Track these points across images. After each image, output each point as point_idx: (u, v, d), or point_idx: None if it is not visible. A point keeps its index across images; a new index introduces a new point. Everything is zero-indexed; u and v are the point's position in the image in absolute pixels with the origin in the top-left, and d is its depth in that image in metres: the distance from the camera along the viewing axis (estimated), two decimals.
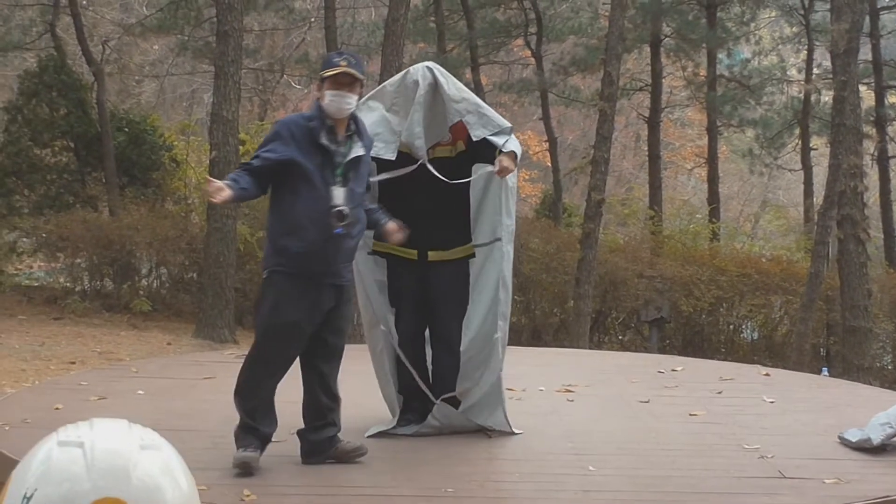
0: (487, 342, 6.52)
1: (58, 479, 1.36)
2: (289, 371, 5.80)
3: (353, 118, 5.82)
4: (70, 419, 1.49)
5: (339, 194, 5.62)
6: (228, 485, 5.25)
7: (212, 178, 5.78)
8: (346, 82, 5.65)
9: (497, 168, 6.24)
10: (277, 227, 5.79)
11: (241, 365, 5.83)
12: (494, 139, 6.32)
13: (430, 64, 6.59)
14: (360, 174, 5.77)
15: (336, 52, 5.60)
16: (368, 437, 6.48)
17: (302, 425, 5.87)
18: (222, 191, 5.45)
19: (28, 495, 1.35)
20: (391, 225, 6.03)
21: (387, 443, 6.42)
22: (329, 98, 5.65)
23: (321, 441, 5.81)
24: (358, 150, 5.73)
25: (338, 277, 5.74)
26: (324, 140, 5.65)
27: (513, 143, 6.33)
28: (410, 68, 6.60)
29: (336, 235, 5.59)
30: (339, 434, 5.83)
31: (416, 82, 6.39)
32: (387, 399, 6.72)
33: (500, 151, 6.25)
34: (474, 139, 6.40)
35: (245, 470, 5.44)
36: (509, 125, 6.45)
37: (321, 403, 5.80)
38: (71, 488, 1.35)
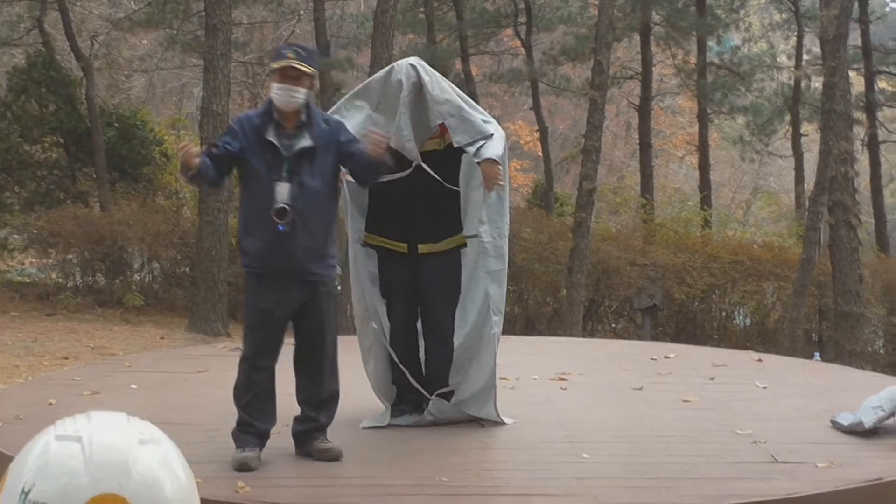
0: (481, 336, 6.52)
1: (56, 474, 1.35)
2: (285, 365, 5.82)
3: (307, 110, 5.73)
4: (64, 414, 1.49)
5: (282, 190, 5.56)
6: (223, 478, 5.26)
7: (189, 144, 5.74)
8: (293, 76, 5.59)
9: (483, 182, 6.25)
10: (239, 227, 5.86)
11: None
12: (470, 149, 6.30)
13: (415, 61, 6.54)
14: (313, 167, 5.65)
15: (287, 44, 5.56)
16: (364, 428, 6.49)
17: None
18: (192, 157, 5.47)
19: (26, 490, 1.35)
20: (369, 145, 5.69)
21: (381, 433, 6.43)
22: (276, 91, 5.62)
23: (298, 433, 5.85)
24: (305, 142, 5.64)
25: (305, 274, 5.66)
26: (270, 135, 5.62)
27: (490, 149, 6.22)
28: (395, 65, 6.53)
29: (283, 233, 5.54)
30: (321, 433, 5.84)
31: (400, 82, 6.35)
32: (378, 393, 6.73)
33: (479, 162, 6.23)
34: (454, 145, 6.39)
35: (245, 469, 5.44)
36: (490, 130, 6.36)
37: (306, 399, 5.86)
38: (69, 483, 1.34)
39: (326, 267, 5.77)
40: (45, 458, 1.38)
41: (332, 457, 5.73)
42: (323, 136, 5.71)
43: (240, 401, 5.75)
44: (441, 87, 6.48)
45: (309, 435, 5.82)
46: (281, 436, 6.27)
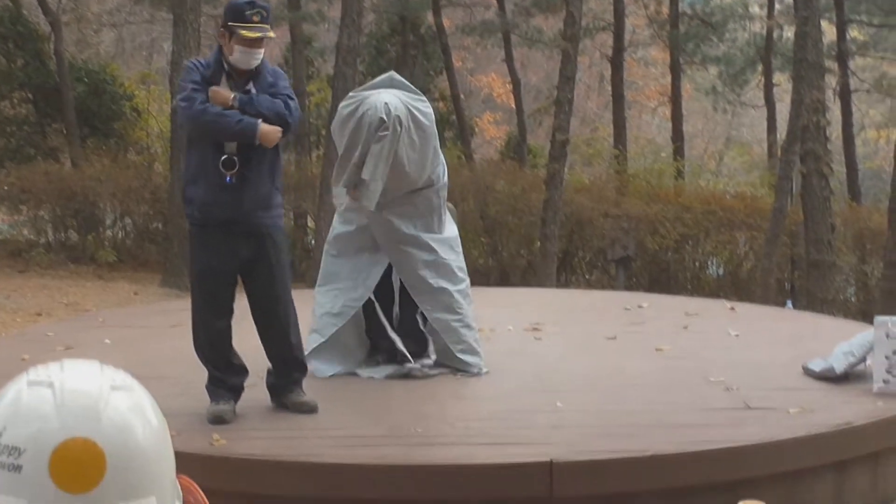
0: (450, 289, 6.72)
1: (26, 419, 1.35)
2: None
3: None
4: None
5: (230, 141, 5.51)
6: (198, 430, 5.26)
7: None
8: (258, 43, 5.53)
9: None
10: (184, 175, 5.78)
11: (192, 323, 5.79)
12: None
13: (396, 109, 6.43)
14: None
15: (247, 1, 5.48)
16: (333, 375, 6.52)
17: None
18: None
19: None
20: None
21: (354, 384, 6.45)
22: (239, 54, 5.53)
23: (272, 386, 5.90)
24: (253, 93, 5.57)
25: (250, 225, 5.60)
26: (222, 86, 5.54)
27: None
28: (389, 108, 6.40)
29: (230, 184, 5.50)
30: (297, 386, 5.85)
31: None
32: (346, 343, 6.75)
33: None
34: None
35: (220, 422, 5.46)
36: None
37: (273, 355, 5.85)
38: (40, 428, 1.34)
39: (271, 218, 5.70)
40: (16, 403, 1.38)
41: (308, 409, 5.74)
42: (267, 88, 5.64)
43: (204, 355, 5.73)
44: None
45: (283, 388, 5.83)
46: (254, 388, 6.28)
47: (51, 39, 21.54)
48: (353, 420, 5.68)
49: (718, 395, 6.07)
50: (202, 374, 6.36)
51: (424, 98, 6.72)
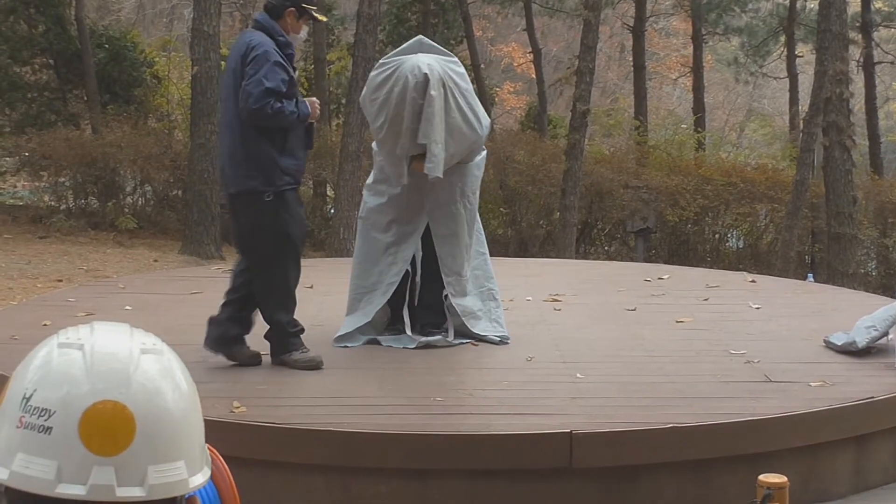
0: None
1: (57, 381, 1.35)
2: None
3: None
4: None
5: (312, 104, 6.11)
6: (218, 397, 5.28)
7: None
8: (325, 19, 5.98)
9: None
10: (272, 152, 5.95)
11: (273, 285, 6.13)
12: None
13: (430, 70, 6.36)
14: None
15: None
16: (357, 344, 6.52)
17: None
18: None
19: (27, 395, 1.34)
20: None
21: (374, 353, 6.46)
22: (303, 32, 6.21)
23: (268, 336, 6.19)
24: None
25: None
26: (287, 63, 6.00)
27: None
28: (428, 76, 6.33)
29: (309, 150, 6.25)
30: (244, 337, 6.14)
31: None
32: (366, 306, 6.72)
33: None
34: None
35: (317, 368, 5.97)
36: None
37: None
38: (70, 391, 1.33)
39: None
40: (47, 365, 1.37)
41: (256, 363, 6.07)
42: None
43: (287, 321, 6.11)
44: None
45: (230, 340, 6.09)
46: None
47: (72, 5, 21.49)
48: (373, 388, 5.70)
49: (739, 368, 6.06)
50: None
51: (456, 59, 6.65)
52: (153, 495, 1.33)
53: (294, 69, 6.06)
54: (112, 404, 1.33)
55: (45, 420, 1.32)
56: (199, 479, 1.40)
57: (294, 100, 5.93)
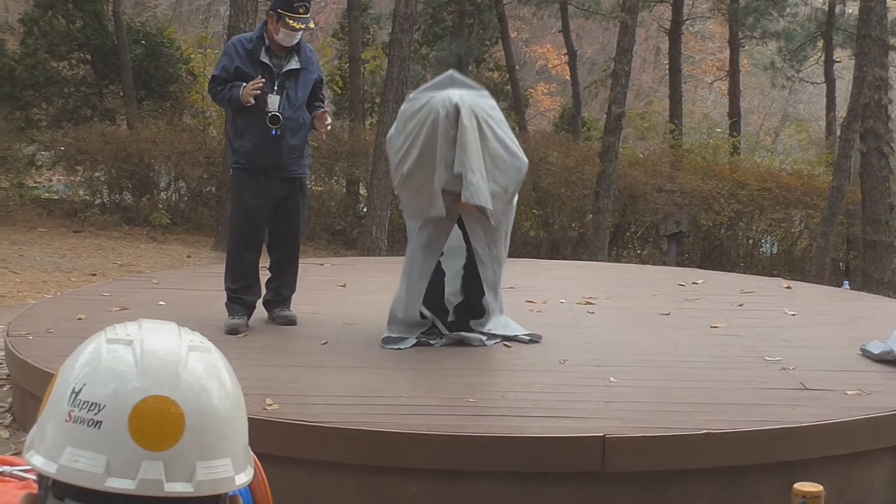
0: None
1: (107, 377, 1.35)
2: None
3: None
4: (93, 329, 1.47)
5: (273, 101, 6.72)
6: (251, 395, 5.24)
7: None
8: (299, 28, 6.69)
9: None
10: (231, 131, 7.07)
11: (227, 251, 7.28)
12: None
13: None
14: (298, 83, 6.83)
15: None
16: (390, 348, 6.50)
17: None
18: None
19: (76, 390, 1.34)
20: (318, 113, 6.96)
21: (408, 354, 6.44)
22: (283, 34, 6.71)
23: (266, 301, 7.17)
24: (294, 64, 6.82)
25: (286, 171, 6.89)
26: (262, 57, 6.76)
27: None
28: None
29: (274, 136, 6.71)
30: (284, 304, 7.19)
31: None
32: (408, 310, 6.67)
33: None
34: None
35: (234, 333, 6.74)
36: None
37: (279, 270, 7.16)
38: (120, 386, 1.33)
39: (300, 167, 7.04)
40: (96, 360, 1.37)
41: (290, 321, 7.07)
42: (307, 61, 6.92)
43: (231, 284, 7.00)
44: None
45: (275, 303, 7.15)
46: (308, 356, 6.31)
47: (109, 1, 21.64)
48: (405, 388, 5.68)
49: (774, 375, 6.00)
50: (255, 338, 6.43)
51: (486, 92, 6.62)
52: (200, 491, 1.33)
53: (275, 61, 6.77)
54: (162, 400, 1.33)
55: (95, 414, 1.32)
56: (244, 477, 1.40)
57: (240, 84, 6.67)
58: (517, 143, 6.58)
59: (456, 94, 6.27)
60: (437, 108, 6.17)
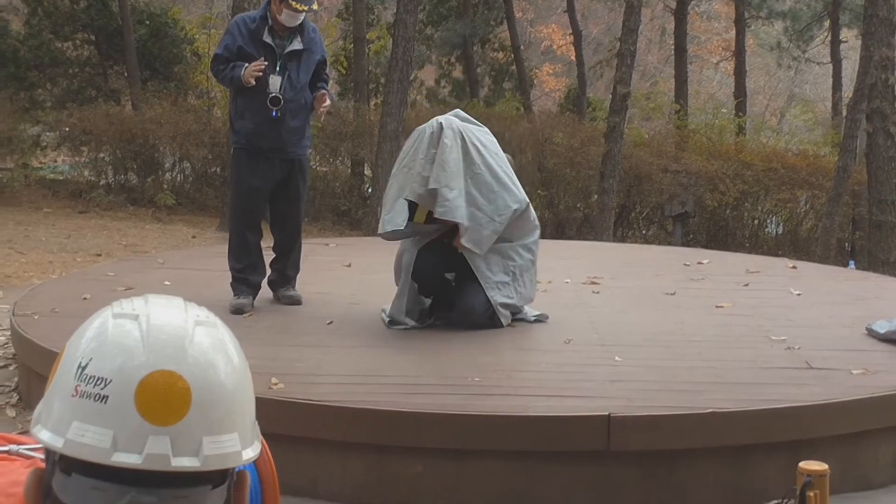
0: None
1: (113, 352, 1.34)
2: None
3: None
4: (99, 308, 1.46)
5: (275, 82, 6.70)
6: (256, 374, 5.25)
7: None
8: (302, 8, 6.66)
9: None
10: (233, 111, 7.02)
11: (230, 232, 7.32)
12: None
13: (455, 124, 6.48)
14: (301, 64, 6.81)
15: None
16: (396, 328, 6.49)
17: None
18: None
19: (83, 364, 1.34)
20: (317, 94, 6.92)
21: (413, 333, 6.44)
22: (286, 15, 6.67)
23: (271, 282, 7.19)
24: (297, 45, 6.79)
25: (286, 153, 6.90)
26: (265, 37, 6.74)
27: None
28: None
29: (274, 117, 6.70)
30: (289, 283, 7.23)
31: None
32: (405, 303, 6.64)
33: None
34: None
35: (239, 313, 6.72)
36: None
37: (282, 251, 7.18)
38: (126, 361, 1.33)
39: (302, 147, 7.03)
40: (102, 335, 1.37)
41: (295, 301, 7.09)
42: (311, 42, 6.89)
43: (235, 263, 7.02)
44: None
45: (281, 283, 7.18)
46: (313, 335, 6.31)
47: None
48: (411, 368, 5.69)
49: (780, 354, 6.00)
50: (262, 317, 6.43)
51: (486, 129, 6.73)
52: (207, 466, 1.33)
53: (277, 42, 6.75)
54: (168, 374, 1.32)
55: (102, 389, 1.31)
56: (251, 452, 1.40)
57: (242, 65, 6.67)
58: (517, 184, 6.58)
59: (444, 117, 6.49)
60: (424, 128, 6.43)
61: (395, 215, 6.38)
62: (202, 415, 1.33)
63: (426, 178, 6.27)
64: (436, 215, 6.32)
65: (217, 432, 1.34)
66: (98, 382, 1.32)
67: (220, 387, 1.36)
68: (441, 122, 6.37)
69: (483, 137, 6.54)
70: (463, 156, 6.32)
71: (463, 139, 6.34)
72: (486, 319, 6.49)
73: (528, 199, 6.62)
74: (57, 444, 1.32)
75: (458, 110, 6.87)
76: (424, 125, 6.47)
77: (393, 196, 6.44)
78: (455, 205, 6.24)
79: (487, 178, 6.37)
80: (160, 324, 1.38)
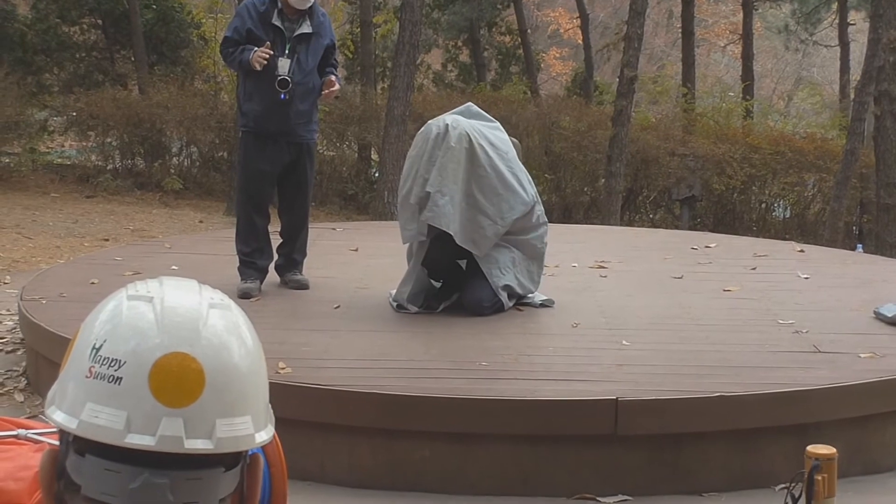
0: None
1: (127, 333, 1.34)
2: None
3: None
4: (107, 294, 1.46)
5: (284, 65, 6.70)
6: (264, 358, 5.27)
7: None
8: None
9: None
10: (241, 94, 7.02)
11: (237, 215, 7.35)
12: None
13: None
14: (310, 47, 6.81)
15: None
16: (403, 311, 6.50)
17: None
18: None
19: (97, 346, 1.34)
20: (327, 80, 6.93)
21: (420, 317, 6.44)
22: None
23: (279, 266, 7.21)
24: (306, 28, 6.79)
25: (293, 136, 6.91)
26: (275, 20, 6.75)
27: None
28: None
29: (283, 100, 6.70)
30: (297, 267, 7.23)
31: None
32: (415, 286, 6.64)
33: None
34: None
35: (246, 297, 6.71)
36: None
37: (289, 235, 7.20)
38: (140, 342, 1.33)
39: (310, 132, 7.04)
40: (116, 317, 1.37)
41: (302, 286, 7.11)
42: (319, 26, 6.88)
43: (243, 247, 7.04)
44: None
45: (287, 268, 7.19)
46: (322, 319, 6.32)
47: None
48: (418, 352, 5.69)
49: (787, 338, 6.00)
50: (269, 302, 6.45)
51: (499, 125, 6.70)
52: (220, 448, 1.33)
53: (287, 25, 6.75)
54: (182, 356, 1.33)
55: (116, 370, 1.32)
56: (264, 435, 1.40)
57: (251, 48, 6.68)
58: (524, 183, 6.54)
59: (453, 118, 6.42)
60: (431, 128, 6.38)
61: (410, 227, 6.43)
62: (216, 397, 1.33)
63: (426, 180, 6.28)
64: (421, 219, 6.31)
65: (230, 415, 1.34)
66: (112, 364, 1.32)
67: (234, 369, 1.36)
68: (448, 124, 6.31)
69: (492, 136, 6.50)
70: (467, 159, 6.28)
71: (469, 141, 6.30)
72: (492, 313, 6.49)
73: (536, 198, 6.60)
74: (71, 425, 1.32)
75: (469, 104, 6.84)
76: (431, 123, 6.41)
77: (403, 203, 6.46)
78: (442, 212, 6.23)
79: (493, 181, 6.36)
80: (174, 306, 1.38)
